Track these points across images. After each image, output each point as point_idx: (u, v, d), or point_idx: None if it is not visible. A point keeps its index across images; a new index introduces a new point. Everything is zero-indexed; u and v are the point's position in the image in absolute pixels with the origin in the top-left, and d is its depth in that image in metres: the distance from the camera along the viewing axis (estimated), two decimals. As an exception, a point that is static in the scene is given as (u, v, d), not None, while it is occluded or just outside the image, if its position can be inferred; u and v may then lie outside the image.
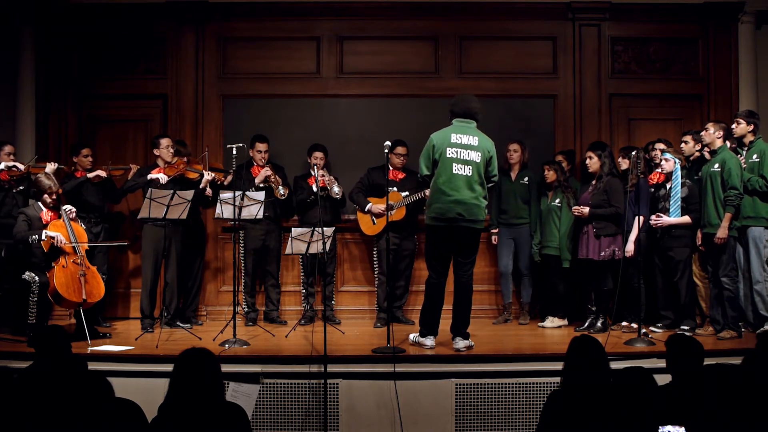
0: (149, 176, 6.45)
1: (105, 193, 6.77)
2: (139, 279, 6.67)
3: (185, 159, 6.71)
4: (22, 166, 6.34)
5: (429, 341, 5.40)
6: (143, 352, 5.43)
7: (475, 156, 5.28)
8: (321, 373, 4.99)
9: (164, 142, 6.62)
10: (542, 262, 6.74)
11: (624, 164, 6.41)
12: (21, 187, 6.39)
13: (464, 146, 5.27)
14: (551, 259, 6.59)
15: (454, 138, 5.28)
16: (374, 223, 6.78)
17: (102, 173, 6.59)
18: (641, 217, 6.10)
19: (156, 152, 6.62)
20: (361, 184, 6.89)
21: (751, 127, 5.98)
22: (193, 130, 7.41)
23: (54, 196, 5.99)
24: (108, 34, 7.43)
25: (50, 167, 6.36)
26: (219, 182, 6.67)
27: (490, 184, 5.43)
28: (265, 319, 6.95)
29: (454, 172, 5.24)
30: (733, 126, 6.04)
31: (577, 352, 3.36)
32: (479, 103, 5.49)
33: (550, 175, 6.64)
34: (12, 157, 6.47)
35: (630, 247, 6.05)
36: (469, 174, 5.26)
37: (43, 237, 5.74)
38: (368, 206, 6.76)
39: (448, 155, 5.25)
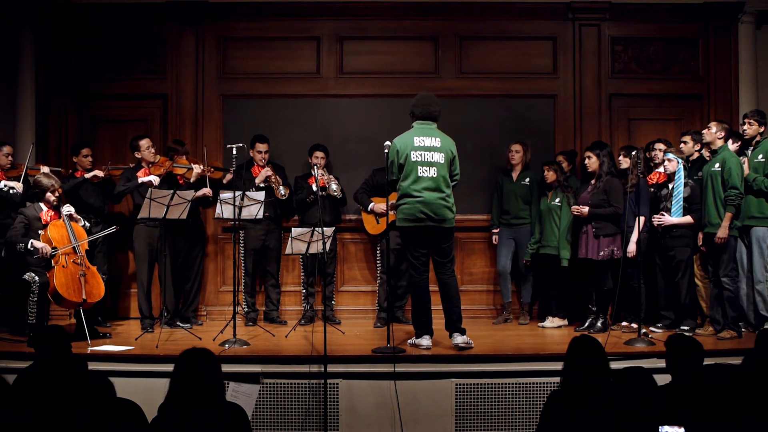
0: (140, 179, 6.44)
1: (105, 193, 6.77)
2: (139, 279, 6.68)
3: (184, 158, 6.70)
4: (20, 188, 6.25)
5: (425, 341, 5.40)
6: (143, 352, 5.43)
7: (439, 157, 5.38)
8: (321, 373, 4.99)
9: (143, 143, 6.60)
10: (542, 262, 6.73)
11: (625, 163, 6.37)
12: (15, 190, 6.30)
13: (427, 148, 5.37)
14: (551, 259, 6.59)
15: (417, 141, 5.38)
16: (378, 223, 6.81)
17: (100, 173, 6.58)
18: (642, 218, 6.11)
19: (137, 155, 6.61)
20: (366, 184, 6.92)
21: (762, 128, 5.98)
22: (193, 130, 7.41)
23: (56, 194, 6.00)
24: (108, 34, 7.43)
25: (45, 169, 6.35)
26: (210, 172, 6.63)
27: (453, 183, 5.51)
28: (265, 319, 6.95)
29: (419, 174, 5.34)
30: (745, 127, 6.03)
31: (577, 352, 3.37)
32: (439, 105, 5.57)
33: (550, 175, 6.64)
34: (10, 158, 6.45)
35: (632, 248, 6.05)
36: (434, 175, 5.35)
37: (29, 247, 5.74)
38: (370, 206, 6.79)
39: (412, 158, 5.35)
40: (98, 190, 6.71)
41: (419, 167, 5.34)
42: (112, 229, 6.11)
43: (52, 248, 5.78)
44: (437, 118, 5.52)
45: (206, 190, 6.57)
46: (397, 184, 5.50)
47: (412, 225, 5.37)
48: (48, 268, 5.79)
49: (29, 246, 5.74)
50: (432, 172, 5.35)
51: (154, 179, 6.39)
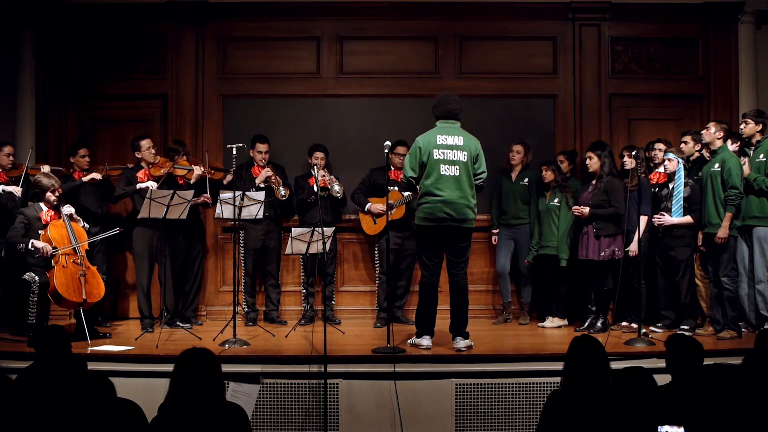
0: (138, 185, 6.43)
1: (102, 194, 6.76)
2: (139, 279, 6.67)
3: (184, 158, 6.70)
4: (18, 192, 6.21)
5: (425, 341, 5.40)
6: (143, 352, 5.44)
7: (462, 156, 5.34)
8: (321, 373, 5.00)
9: (144, 143, 6.60)
10: (542, 262, 6.73)
11: (630, 163, 6.33)
12: (13, 195, 6.28)
13: (450, 147, 5.34)
14: (550, 259, 6.59)
15: (440, 139, 5.35)
16: (375, 223, 6.80)
17: (97, 176, 6.56)
18: (645, 217, 6.11)
19: (138, 155, 6.61)
20: (363, 184, 6.91)
21: (760, 127, 5.98)
22: (193, 130, 7.41)
23: (57, 194, 5.99)
24: (108, 33, 7.42)
25: (46, 168, 6.35)
26: (211, 174, 6.64)
27: (478, 181, 5.47)
28: (265, 319, 6.95)
29: (441, 173, 5.31)
30: (741, 126, 6.05)
31: (577, 352, 3.37)
32: (459, 103, 5.53)
33: (548, 175, 6.64)
34: (11, 158, 6.45)
35: (634, 247, 6.04)
36: (457, 174, 5.32)
37: (29, 247, 5.73)
38: (367, 206, 6.78)
39: (435, 157, 5.32)
40: (96, 191, 6.69)
41: (441, 165, 5.31)
42: (115, 231, 6.10)
43: (53, 248, 5.78)
44: (458, 115, 5.47)
45: (205, 197, 6.56)
46: (413, 182, 5.47)
47: (432, 225, 5.34)
48: (48, 268, 5.79)
49: (30, 246, 5.74)
50: (454, 171, 5.32)
51: (152, 185, 6.37)
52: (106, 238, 6.44)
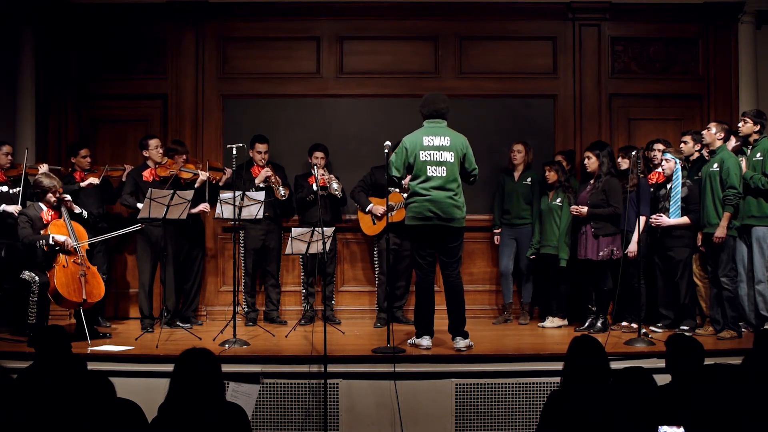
0: (138, 204, 6.42)
1: (102, 195, 6.75)
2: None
3: (184, 157, 6.71)
4: (16, 212, 6.16)
5: (425, 341, 5.40)
6: (143, 352, 5.44)
7: (449, 156, 5.36)
8: (321, 373, 5.00)
9: (153, 143, 6.60)
10: (542, 262, 6.73)
11: (624, 164, 6.38)
12: (14, 209, 6.27)
13: (437, 148, 5.36)
14: (551, 259, 6.59)
15: (426, 141, 5.37)
16: (374, 224, 6.79)
17: (95, 180, 6.55)
18: (644, 217, 6.11)
19: (145, 153, 6.61)
20: (364, 182, 6.90)
21: (758, 127, 5.98)
22: (193, 130, 7.41)
23: (57, 195, 5.99)
24: (108, 34, 7.43)
25: (44, 168, 6.34)
26: (215, 181, 6.67)
27: (471, 179, 5.49)
28: (265, 319, 6.95)
29: (428, 174, 5.33)
30: (740, 124, 6.05)
31: (577, 352, 3.37)
32: (447, 102, 5.54)
33: (551, 175, 6.63)
34: (10, 157, 6.45)
35: (633, 248, 6.04)
36: (444, 174, 5.34)
37: (50, 242, 5.74)
38: (369, 207, 6.77)
39: (421, 158, 5.34)
40: (95, 192, 6.67)
41: (428, 167, 5.33)
42: (137, 227, 6.10)
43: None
44: (445, 115, 5.49)
45: (204, 207, 6.58)
46: (395, 181, 5.49)
47: (420, 224, 5.36)
48: (48, 268, 5.79)
49: (50, 240, 5.74)
50: (441, 172, 5.33)
51: (140, 206, 6.35)
52: (107, 239, 6.44)
